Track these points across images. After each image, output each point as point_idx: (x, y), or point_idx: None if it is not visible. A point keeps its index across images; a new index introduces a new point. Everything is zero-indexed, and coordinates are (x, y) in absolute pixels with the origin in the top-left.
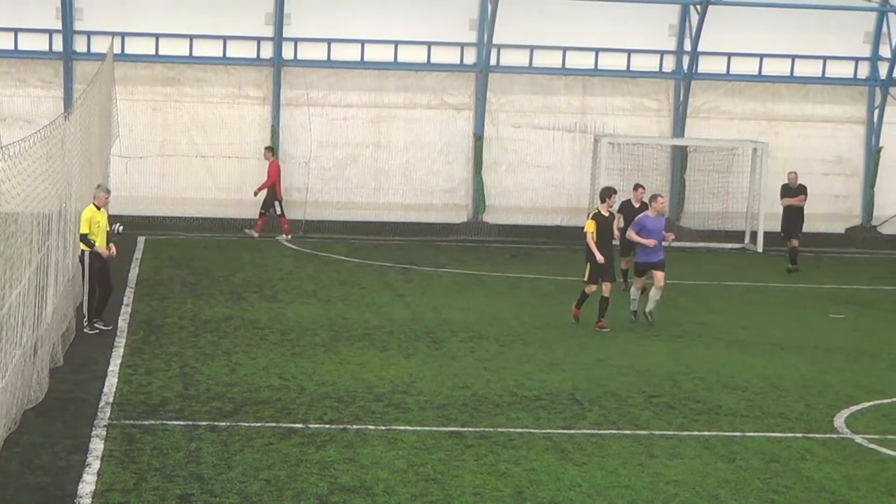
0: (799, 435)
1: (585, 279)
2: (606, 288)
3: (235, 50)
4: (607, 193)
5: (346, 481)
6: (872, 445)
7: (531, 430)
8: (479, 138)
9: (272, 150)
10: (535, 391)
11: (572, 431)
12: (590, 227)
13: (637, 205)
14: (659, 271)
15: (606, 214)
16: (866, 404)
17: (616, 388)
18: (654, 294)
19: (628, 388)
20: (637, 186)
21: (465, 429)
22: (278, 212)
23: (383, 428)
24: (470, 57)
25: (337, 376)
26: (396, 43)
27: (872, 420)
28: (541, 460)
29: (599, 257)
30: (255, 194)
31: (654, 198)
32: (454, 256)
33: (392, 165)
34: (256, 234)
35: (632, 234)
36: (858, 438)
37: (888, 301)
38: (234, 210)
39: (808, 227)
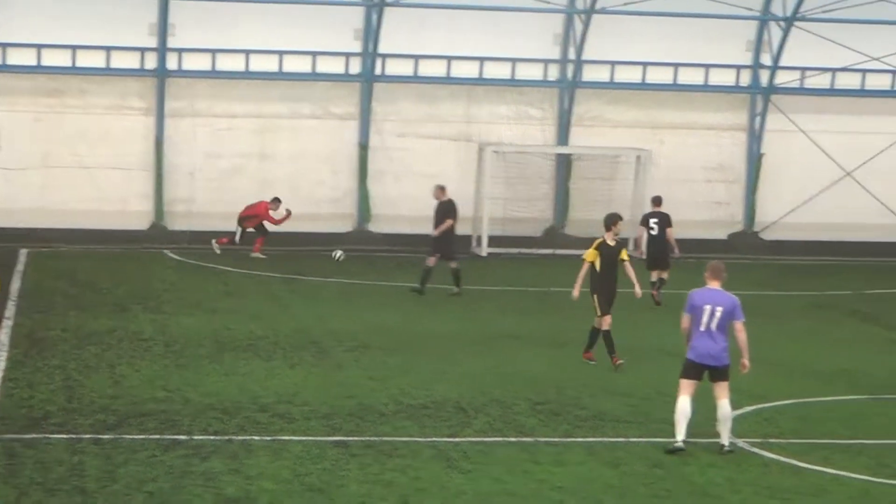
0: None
1: (598, 314)
2: (606, 321)
3: (119, 60)
4: (612, 221)
5: (231, 493)
6: (755, 449)
7: (416, 439)
8: (364, 148)
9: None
10: (420, 400)
11: (458, 439)
12: (589, 257)
13: None
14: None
15: (612, 244)
16: (749, 409)
17: (501, 396)
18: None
19: (513, 395)
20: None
21: (351, 438)
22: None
23: (268, 438)
24: (355, 67)
25: (222, 387)
26: (281, 53)
27: (755, 424)
28: (426, 469)
29: (574, 294)
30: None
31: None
32: (339, 266)
33: (277, 176)
34: (261, 255)
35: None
36: (741, 443)
37: (770, 306)
38: (119, 221)
39: (691, 233)
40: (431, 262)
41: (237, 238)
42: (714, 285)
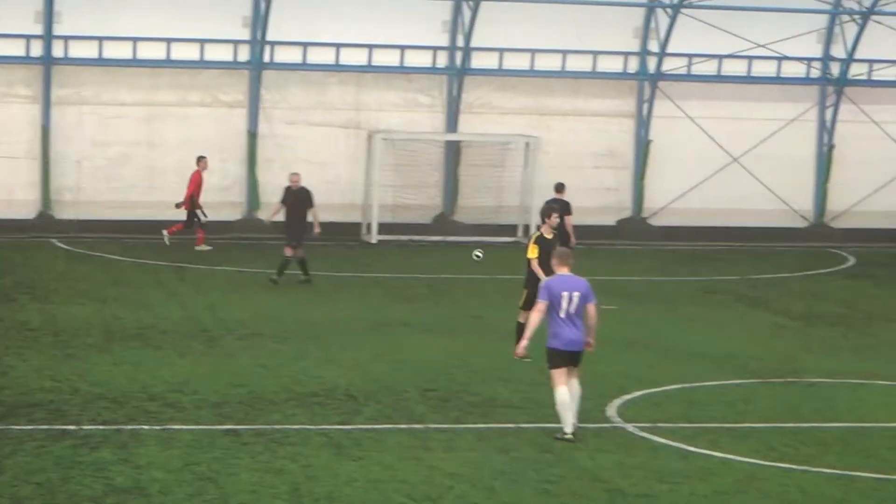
0: None
1: (520, 305)
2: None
3: (4, 48)
4: (548, 213)
5: (121, 483)
6: (644, 434)
7: (307, 427)
8: (253, 135)
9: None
10: (310, 388)
11: (348, 427)
12: (532, 253)
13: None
14: None
15: (549, 236)
16: (637, 394)
17: (391, 383)
18: None
19: (403, 382)
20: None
21: (241, 427)
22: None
23: (158, 428)
24: (243, 54)
25: (111, 377)
26: (169, 41)
27: (644, 409)
28: (317, 456)
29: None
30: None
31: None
32: (229, 255)
33: (166, 164)
34: (206, 247)
35: None
36: (630, 427)
37: (658, 292)
38: (5, 211)
39: (580, 220)
40: (290, 252)
41: (202, 218)
42: (564, 271)
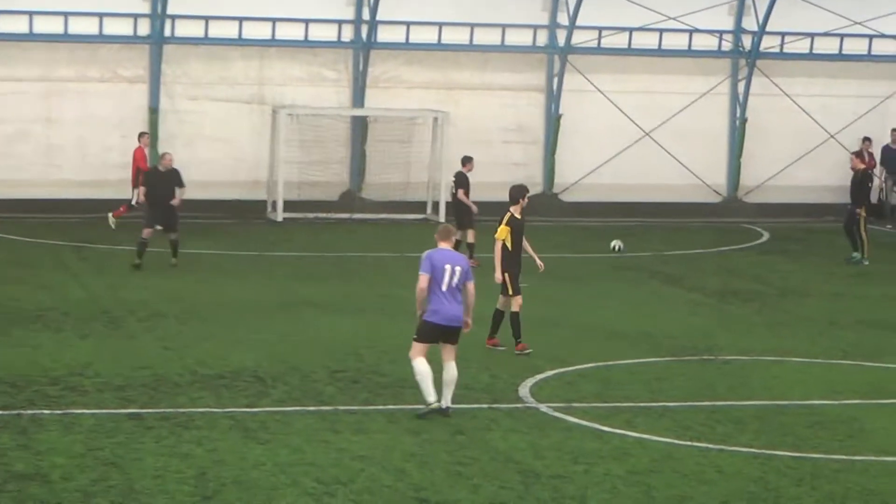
0: (484, 406)
1: (510, 292)
2: (517, 302)
3: None
4: (522, 193)
5: (21, 469)
6: (557, 414)
7: (213, 410)
8: (154, 111)
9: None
10: (216, 369)
11: (255, 410)
12: (501, 234)
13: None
14: None
15: (520, 217)
16: (550, 373)
17: (299, 364)
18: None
19: (312, 363)
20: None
21: (145, 410)
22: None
23: (59, 412)
24: (143, 28)
25: (9, 360)
26: (67, 14)
27: (557, 389)
28: (224, 440)
29: (498, 276)
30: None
31: None
32: (131, 234)
33: (65, 141)
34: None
35: None
36: (543, 407)
37: (571, 269)
38: None
39: (490, 196)
40: (148, 234)
41: (135, 200)
42: (445, 246)
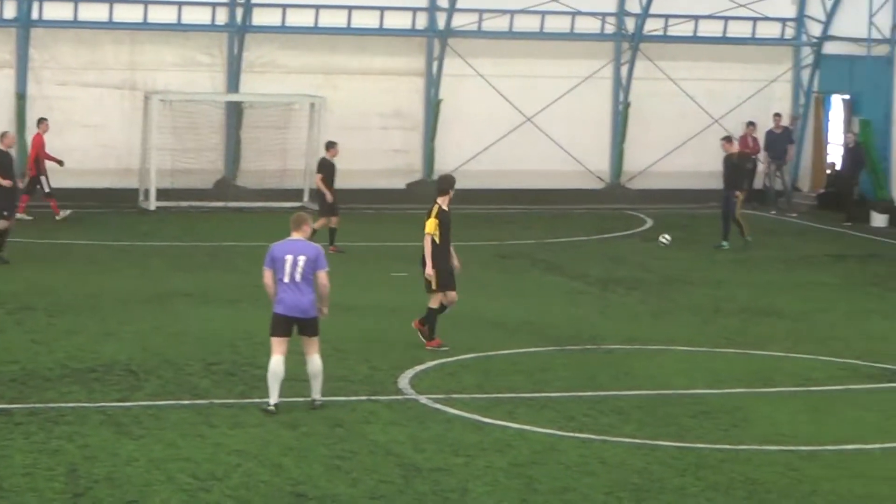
0: (363, 398)
1: (434, 287)
2: (451, 297)
3: None
4: (451, 184)
5: None
6: (438, 405)
7: (84, 405)
8: (21, 97)
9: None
10: (87, 363)
11: (128, 404)
12: (430, 228)
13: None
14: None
15: (447, 209)
16: (430, 364)
17: (173, 357)
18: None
19: (186, 356)
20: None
21: (14, 406)
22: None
23: None
24: (10, 11)
25: None
26: None
27: (437, 380)
28: (95, 435)
29: (429, 271)
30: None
31: None
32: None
33: None
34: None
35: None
36: (423, 399)
37: None
38: None
39: (368, 183)
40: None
41: (46, 188)
42: (296, 236)
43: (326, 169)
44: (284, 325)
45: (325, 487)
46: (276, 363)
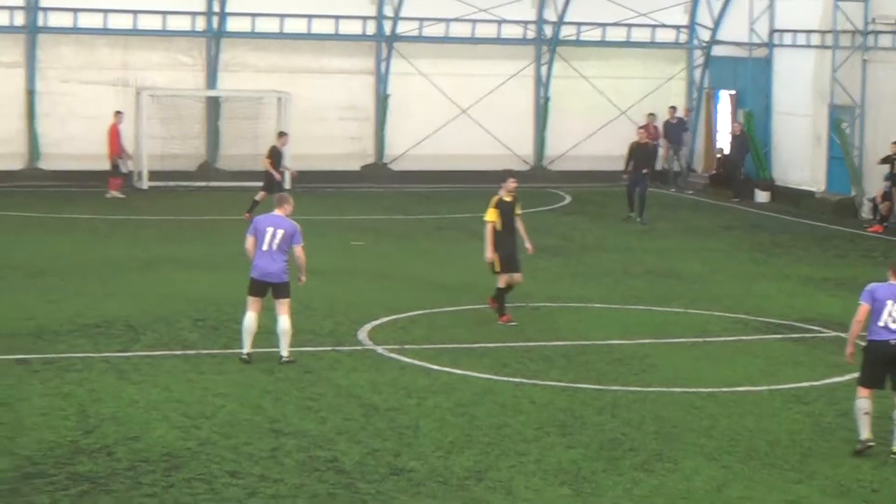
0: (328, 348)
1: (497, 270)
2: (515, 279)
3: None
4: (504, 177)
5: None
6: (392, 355)
7: (91, 355)
8: (31, 93)
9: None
10: (93, 320)
11: (128, 354)
12: (491, 216)
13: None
14: None
15: (509, 199)
16: (385, 319)
17: (166, 314)
18: None
19: (177, 313)
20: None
21: (31, 356)
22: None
23: None
24: (20, 19)
25: None
26: None
27: (391, 333)
28: (101, 381)
29: (490, 255)
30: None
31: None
32: (13, 200)
33: None
34: (118, 194)
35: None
36: (380, 349)
37: (399, 229)
38: None
39: (328, 165)
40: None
41: (122, 170)
42: (278, 213)
43: (274, 154)
44: (257, 287)
45: (298, 424)
46: (249, 319)
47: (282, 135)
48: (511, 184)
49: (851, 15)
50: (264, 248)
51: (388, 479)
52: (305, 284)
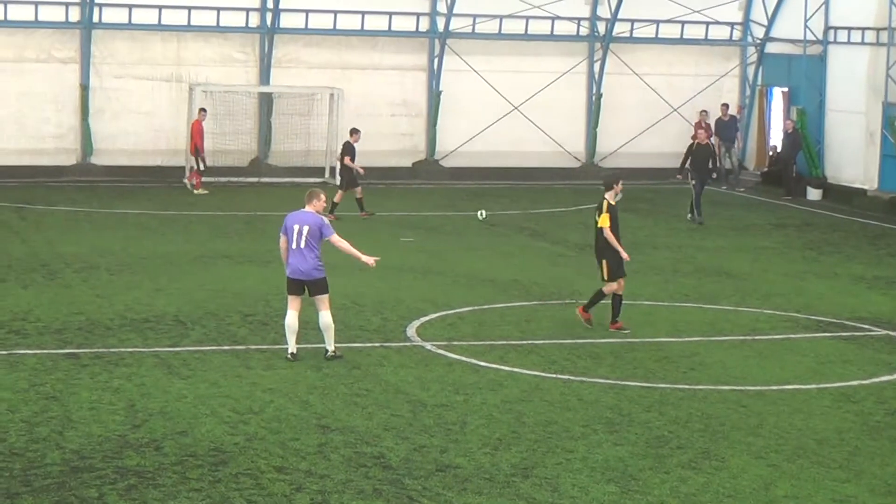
0: (377, 344)
1: (605, 278)
2: (621, 285)
3: None
4: (615, 180)
5: None
6: (440, 351)
7: (140, 350)
8: (85, 88)
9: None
10: (142, 314)
11: (177, 349)
12: (605, 222)
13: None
14: None
15: (615, 203)
16: (434, 315)
17: (215, 309)
18: None
19: (226, 308)
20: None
21: (81, 350)
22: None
23: (4, 353)
24: (75, 15)
25: None
26: (6, 3)
27: (440, 329)
28: (150, 376)
29: (625, 255)
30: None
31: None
32: (65, 195)
33: (5, 115)
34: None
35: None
36: (428, 346)
37: (450, 225)
38: None
39: (380, 161)
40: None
41: (201, 166)
42: (307, 209)
43: (351, 151)
44: (293, 286)
45: (345, 420)
46: (289, 318)
47: (354, 132)
48: (619, 186)
49: None
50: (294, 245)
51: (434, 476)
52: (350, 278)
